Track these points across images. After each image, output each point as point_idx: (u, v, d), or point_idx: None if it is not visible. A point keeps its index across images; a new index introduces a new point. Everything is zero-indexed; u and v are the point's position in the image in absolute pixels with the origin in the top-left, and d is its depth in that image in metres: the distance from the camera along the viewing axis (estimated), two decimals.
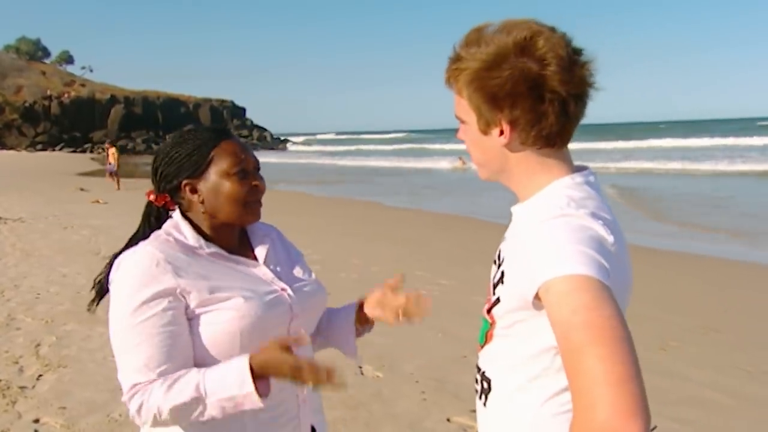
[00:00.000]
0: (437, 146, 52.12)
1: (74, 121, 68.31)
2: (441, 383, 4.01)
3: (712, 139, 43.82)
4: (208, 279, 1.32)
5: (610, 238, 1.03)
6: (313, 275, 1.54)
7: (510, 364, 1.16)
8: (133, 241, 1.42)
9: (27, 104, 69.64)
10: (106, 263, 1.40)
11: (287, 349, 1.25)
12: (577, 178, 1.14)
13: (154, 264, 1.28)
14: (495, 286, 1.18)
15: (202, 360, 1.31)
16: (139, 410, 1.23)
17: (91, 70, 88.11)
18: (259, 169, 1.43)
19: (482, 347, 1.25)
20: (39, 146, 63.32)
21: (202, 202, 1.38)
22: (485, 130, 1.13)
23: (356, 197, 17.43)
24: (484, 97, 1.09)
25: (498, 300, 1.16)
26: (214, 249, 1.38)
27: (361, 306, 1.62)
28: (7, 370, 4.11)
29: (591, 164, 1.27)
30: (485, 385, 1.22)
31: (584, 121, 1.15)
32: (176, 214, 1.41)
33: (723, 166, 23.88)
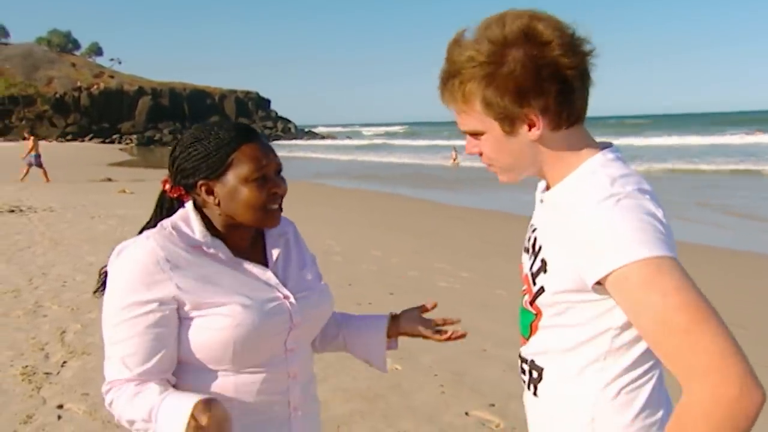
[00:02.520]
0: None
1: (103, 112, 69.49)
2: (460, 376, 3.99)
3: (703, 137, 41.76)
4: (207, 281, 1.27)
5: (659, 212, 1.03)
6: (323, 281, 1.48)
7: (564, 350, 1.14)
8: (144, 230, 1.38)
9: (57, 96, 71.05)
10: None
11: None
12: (608, 154, 1.13)
13: (153, 263, 1.24)
14: (535, 275, 1.16)
15: (192, 363, 1.28)
16: (110, 405, 1.25)
17: (120, 62, 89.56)
18: (280, 171, 1.37)
19: (527, 339, 1.23)
20: (69, 137, 64.57)
21: (218, 204, 1.32)
22: (511, 131, 1.10)
23: (377, 189, 17.42)
24: (506, 94, 1.06)
25: (542, 289, 1.14)
26: (218, 249, 1.32)
27: (392, 320, 1.62)
28: (34, 356, 4.20)
29: None
30: (534, 374, 1.20)
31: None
32: (189, 205, 1.36)
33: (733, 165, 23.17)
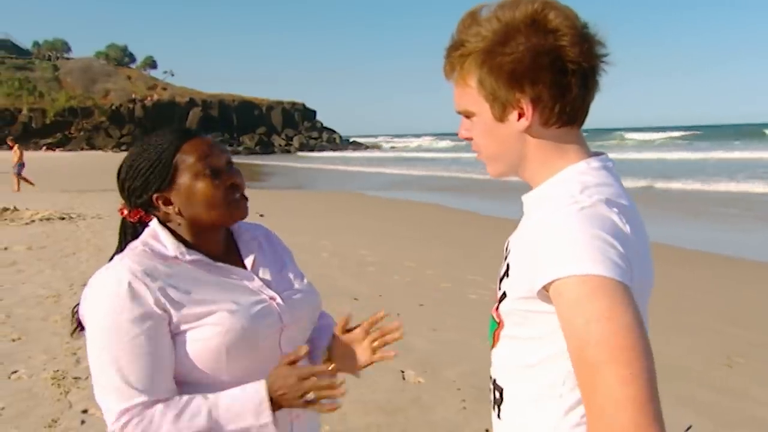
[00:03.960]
0: None
1: (156, 123, 71.60)
2: (482, 392, 3.89)
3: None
4: (189, 292, 1.24)
5: (627, 228, 0.95)
6: (306, 279, 1.45)
7: (522, 368, 1.07)
8: (113, 259, 1.32)
9: (114, 107, 73.75)
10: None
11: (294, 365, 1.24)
12: (593, 162, 1.06)
13: (132, 279, 1.19)
14: (501, 280, 1.11)
15: (187, 377, 1.24)
16: None
17: (173, 75, 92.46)
18: (231, 164, 1.32)
19: (491, 350, 1.17)
20: (123, 147, 66.83)
21: (179, 213, 1.29)
22: (501, 116, 1.05)
23: (415, 199, 17.36)
24: (501, 75, 1.01)
25: (504, 295, 1.08)
26: (196, 256, 1.29)
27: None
28: (66, 361, 4.32)
29: None
30: (497, 394, 1.14)
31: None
32: (154, 222, 1.32)
33: None
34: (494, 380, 1.15)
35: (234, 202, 1.31)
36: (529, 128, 1.05)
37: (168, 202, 1.30)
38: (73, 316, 1.31)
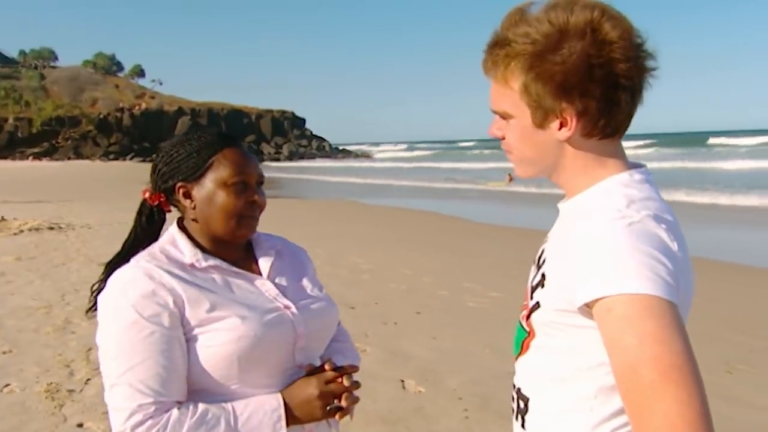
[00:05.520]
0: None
1: (144, 131, 71.45)
2: (485, 401, 3.85)
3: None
4: (204, 297, 1.23)
5: (674, 245, 0.93)
6: (324, 290, 1.43)
7: (551, 379, 1.04)
8: (126, 245, 1.36)
9: (101, 116, 73.37)
10: (103, 270, 1.33)
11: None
12: (636, 175, 1.03)
13: (149, 279, 1.20)
14: (533, 289, 1.07)
15: (197, 385, 1.22)
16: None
17: (161, 83, 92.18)
18: (262, 183, 1.34)
19: (517, 358, 1.14)
20: (111, 156, 66.50)
21: (194, 209, 1.30)
22: (541, 124, 1.01)
23: (407, 206, 17.34)
24: (549, 84, 0.97)
25: (537, 305, 1.05)
26: (212, 262, 1.29)
27: None
28: (59, 373, 4.22)
29: None
30: (521, 404, 1.11)
31: None
32: (173, 227, 1.34)
33: None
34: (519, 389, 1.13)
35: (245, 220, 1.30)
36: (569, 139, 1.01)
37: (188, 196, 1.30)
38: (92, 294, 1.31)
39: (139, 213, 1.39)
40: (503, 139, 1.09)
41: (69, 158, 64.66)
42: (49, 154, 66.86)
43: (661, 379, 0.83)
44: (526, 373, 1.10)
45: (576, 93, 0.97)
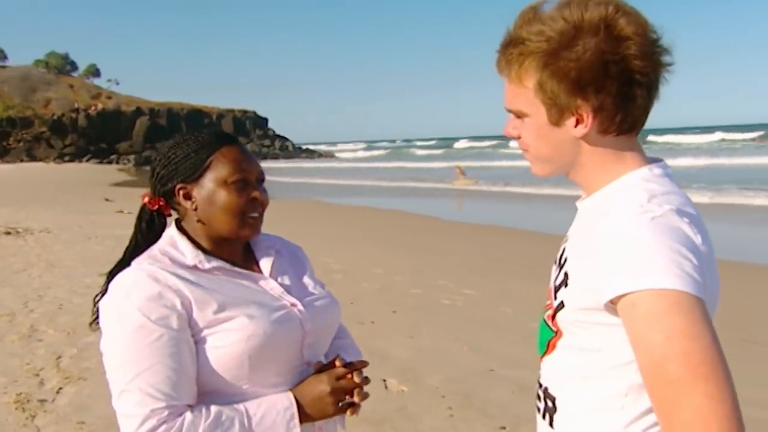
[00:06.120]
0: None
1: (101, 132, 69.55)
2: (468, 398, 3.87)
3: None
4: (211, 298, 1.21)
5: (698, 239, 0.93)
6: (325, 288, 1.42)
7: (581, 378, 1.04)
8: (127, 252, 1.33)
9: (55, 117, 71.15)
10: (104, 280, 1.29)
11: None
12: (656, 169, 1.04)
13: (154, 281, 1.18)
14: (557, 289, 1.07)
15: (207, 386, 1.20)
16: None
17: (118, 83, 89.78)
18: (263, 180, 1.33)
19: (542, 358, 1.14)
20: (66, 158, 64.63)
21: (196, 210, 1.28)
22: (557, 121, 1.01)
23: (376, 206, 17.34)
24: (564, 81, 0.97)
25: (562, 305, 1.04)
26: (215, 263, 1.27)
27: None
28: (28, 383, 4.07)
29: None
30: (549, 403, 1.10)
31: None
32: (172, 229, 1.31)
33: None
34: (545, 388, 1.13)
35: (249, 218, 1.29)
36: (586, 135, 1.01)
37: (188, 197, 1.29)
38: (94, 305, 1.28)
39: (139, 218, 1.36)
40: (519, 138, 1.09)
41: (21, 160, 62.44)
42: (1, 156, 64.56)
43: (691, 375, 0.84)
44: (553, 372, 1.10)
45: (591, 90, 0.97)
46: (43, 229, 11.70)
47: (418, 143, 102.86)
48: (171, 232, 1.31)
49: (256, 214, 1.30)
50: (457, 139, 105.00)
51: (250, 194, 1.28)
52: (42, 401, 3.78)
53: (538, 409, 1.15)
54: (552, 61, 0.97)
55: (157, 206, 1.34)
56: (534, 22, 0.99)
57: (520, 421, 3.48)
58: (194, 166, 1.27)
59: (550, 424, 1.11)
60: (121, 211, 14.93)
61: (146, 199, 1.35)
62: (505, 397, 3.87)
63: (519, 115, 1.06)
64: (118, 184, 29.71)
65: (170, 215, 1.36)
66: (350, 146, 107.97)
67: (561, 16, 0.97)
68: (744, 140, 57.19)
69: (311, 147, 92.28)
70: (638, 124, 1.02)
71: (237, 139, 1.34)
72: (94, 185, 27.60)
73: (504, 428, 3.44)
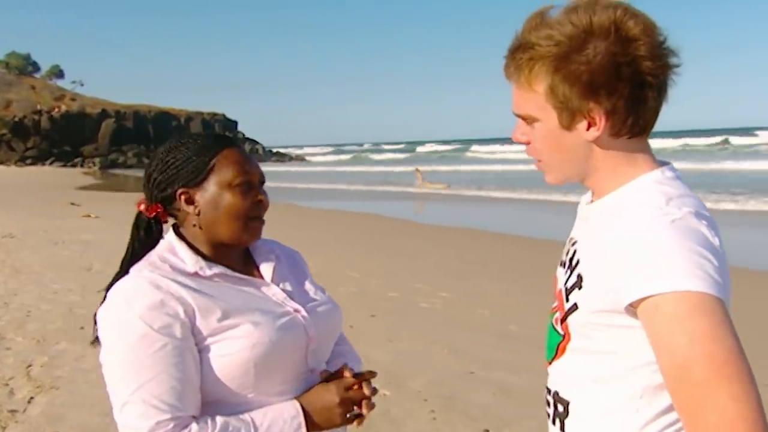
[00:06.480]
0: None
1: (64, 135, 67.93)
2: (450, 401, 3.87)
3: None
4: (215, 305, 1.18)
5: (716, 241, 0.94)
6: (326, 293, 1.41)
7: (594, 381, 1.04)
8: (125, 262, 1.28)
9: (16, 119, 69.24)
10: (103, 294, 1.24)
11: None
12: (667, 172, 1.05)
13: (155, 289, 1.15)
14: (569, 291, 1.06)
15: (211, 396, 1.17)
16: None
17: (82, 85, 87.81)
18: (263, 183, 1.31)
19: (551, 363, 1.13)
20: (29, 161, 62.97)
21: (198, 214, 1.25)
22: (569, 125, 1.01)
23: (350, 210, 17.30)
24: (576, 84, 0.97)
25: (575, 306, 1.04)
26: (217, 270, 1.24)
27: None
28: None
29: None
30: (560, 408, 1.10)
31: None
32: (170, 235, 1.28)
33: None
34: (555, 393, 1.12)
35: (252, 222, 1.27)
36: (597, 139, 1.02)
37: (191, 201, 1.26)
38: (95, 324, 1.23)
39: (136, 227, 1.32)
40: (528, 144, 1.09)
41: None
42: None
43: (715, 376, 0.84)
44: (564, 376, 1.10)
45: (603, 92, 0.97)
46: (6, 234, 11.35)
47: (386, 146, 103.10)
48: (169, 238, 1.28)
49: (259, 218, 1.28)
50: (423, 143, 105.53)
51: (254, 197, 1.27)
52: (12, 411, 3.65)
53: (548, 415, 1.14)
54: (563, 65, 0.98)
55: (154, 213, 1.30)
56: (542, 27, 1.00)
57: (502, 423, 3.50)
58: (196, 170, 1.24)
59: (562, 429, 1.10)
60: (88, 216, 14.57)
61: (142, 207, 1.31)
62: (487, 399, 3.89)
63: (528, 120, 1.06)
64: (84, 188, 29.02)
65: (167, 222, 1.33)
66: (318, 149, 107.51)
67: (569, 21, 0.98)
68: (707, 145, 58.88)
69: (281, 150, 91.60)
70: (649, 126, 1.03)
71: (237, 141, 1.33)
72: (58, 189, 26.90)
73: (487, 430, 3.45)
